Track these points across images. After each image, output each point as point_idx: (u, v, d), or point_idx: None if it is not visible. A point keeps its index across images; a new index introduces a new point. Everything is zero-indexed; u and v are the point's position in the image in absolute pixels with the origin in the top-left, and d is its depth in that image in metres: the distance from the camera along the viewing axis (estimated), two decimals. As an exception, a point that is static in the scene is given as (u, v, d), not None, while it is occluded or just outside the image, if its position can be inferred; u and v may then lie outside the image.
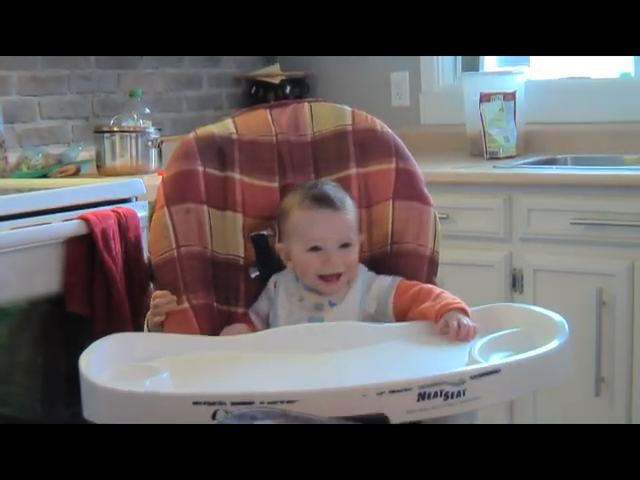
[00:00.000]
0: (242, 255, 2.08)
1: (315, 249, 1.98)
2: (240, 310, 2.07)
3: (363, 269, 2.04)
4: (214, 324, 2.02)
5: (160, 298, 1.96)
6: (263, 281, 2.08)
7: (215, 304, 2.04)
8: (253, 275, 2.08)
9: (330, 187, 2.03)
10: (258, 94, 4.17)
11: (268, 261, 2.09)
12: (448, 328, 1.85)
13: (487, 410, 1.87)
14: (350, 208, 2.01)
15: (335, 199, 1.99)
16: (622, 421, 2.94)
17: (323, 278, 1.98)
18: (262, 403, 1.52)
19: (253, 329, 2.01)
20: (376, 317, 1.98)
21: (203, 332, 1.98)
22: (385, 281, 2.02)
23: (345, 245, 1.98)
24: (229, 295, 2.07)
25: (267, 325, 2.02)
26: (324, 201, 1.98)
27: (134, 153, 3.30)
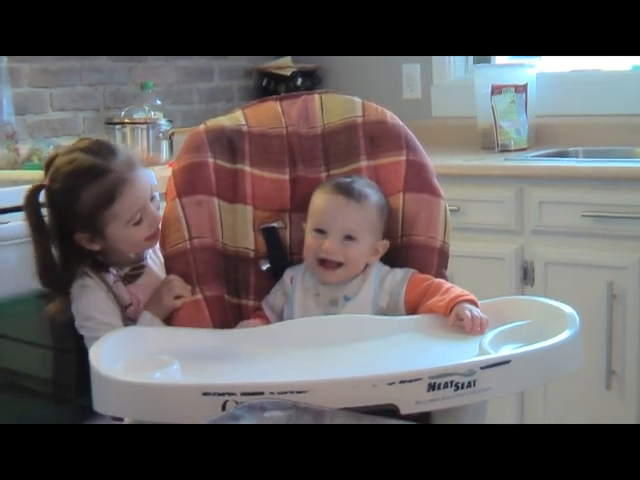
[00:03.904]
0: (252, 248, 2.08)
1: (319, 231, 1.98)
2: (250, 303, 2.07)
3: (378, 263, 2.04)
4: (226, 316, 2.02)
5: (177, 281, 1.97)
6: (273, 274, 2.08)
7: (226, 296, 2.04)
8: (264, 267, 2.08)
9: (362, 182, 2.03)
10: (269, 86, 4.19)
11: (278, 253, 2.10)
12: (462, 321, 1.85)
13: (497, 402, 1.88)
14: (370, 206, 2.00)
15: (355, 190, 1.99)
16: (633, 414, 2.96)
17: (321, 263, 1.98)
18: (272, 394, 1.52)
19: (267, 323, 2.01)
20: (388, 311, 1.98)
21: (215, 324, 1.99)
22: (398, 274, 2.01)
23: (349, 237, 1.97)
24: (239, 288, 2.07)
25: (281, 319, 2.02)
26: (342, 189, 1.99)
27: (145, 145, 3.35)
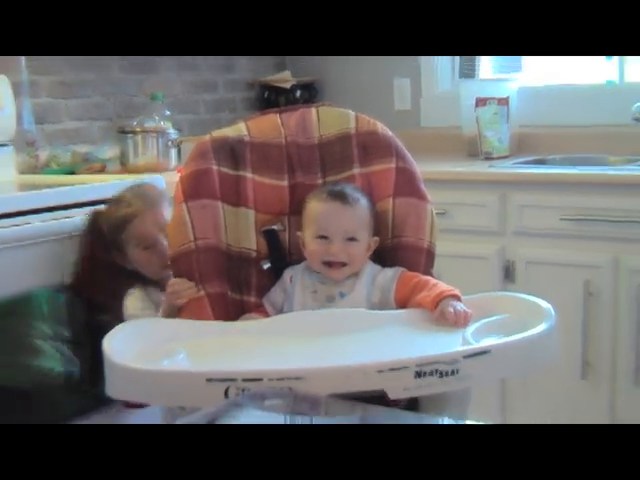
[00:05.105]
0: (254, 248, 2.16)
1: (322, 237, 2.06)
2: (252, 300, 2.15)
3: (369, 263, 2.12)
4: (228, 312, 2.09)
5: (178, 285, 2.05)
6: (274, 273, 2.16)
7: (229, 293, 2.12)
8: (265, 267, 2.16)
9: (350, 188, 2.11)
10: (270, 98, 4.23)
11: (279, 254, 2.18)
12: (445, 317, 1.92)
13: (480, 391, 1.95)
14: (362, 208, 2.09)
15: (348, 196, 2.07)
16: (606, 402, 3.02)
17: (327, 264, 2.06)
18: (270, 380, 1.61)
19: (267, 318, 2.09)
20: (380, 306, 2.05)
21: (217, 319, 2.06)
22: (388, 273, 2.09)
23: (351, 239, 2.06)
24: (241, 286, 2.15)
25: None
26: (337, 195, 2.07)
27: (155, 152, 3.41)
